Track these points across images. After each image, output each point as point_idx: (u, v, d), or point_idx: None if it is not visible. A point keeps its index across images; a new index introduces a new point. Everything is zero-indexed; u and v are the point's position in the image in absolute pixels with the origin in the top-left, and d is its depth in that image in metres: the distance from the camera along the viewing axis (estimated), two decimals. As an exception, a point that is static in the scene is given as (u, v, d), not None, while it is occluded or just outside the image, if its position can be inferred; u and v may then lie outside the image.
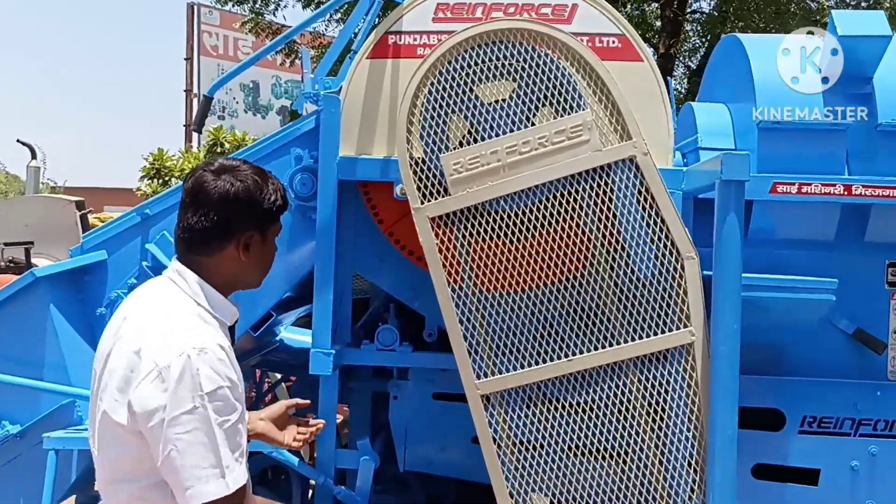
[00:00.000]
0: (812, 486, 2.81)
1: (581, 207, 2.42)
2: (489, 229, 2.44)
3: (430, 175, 2.49)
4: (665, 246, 2.40)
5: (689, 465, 2.37)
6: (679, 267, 2.39)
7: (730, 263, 2.32)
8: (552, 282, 2.42)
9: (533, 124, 2.46)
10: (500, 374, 2.42)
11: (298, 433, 2.21)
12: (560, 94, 2.46)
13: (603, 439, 2.39)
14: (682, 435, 2.37)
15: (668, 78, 3.02)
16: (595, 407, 2.39)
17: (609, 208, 2.41)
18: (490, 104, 2.48)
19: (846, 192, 2.70)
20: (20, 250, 8.33)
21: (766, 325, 2.58)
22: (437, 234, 2.46)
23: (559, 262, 2.41)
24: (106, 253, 3.08)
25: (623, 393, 2.39)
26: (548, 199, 2.43)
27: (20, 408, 2.98)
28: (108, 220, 4.06)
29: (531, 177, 2.43)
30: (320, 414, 2.89)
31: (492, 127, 2.48)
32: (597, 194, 2.42)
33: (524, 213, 2.43)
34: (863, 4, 11.56)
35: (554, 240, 2.42)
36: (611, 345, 2.39)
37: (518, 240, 2.43)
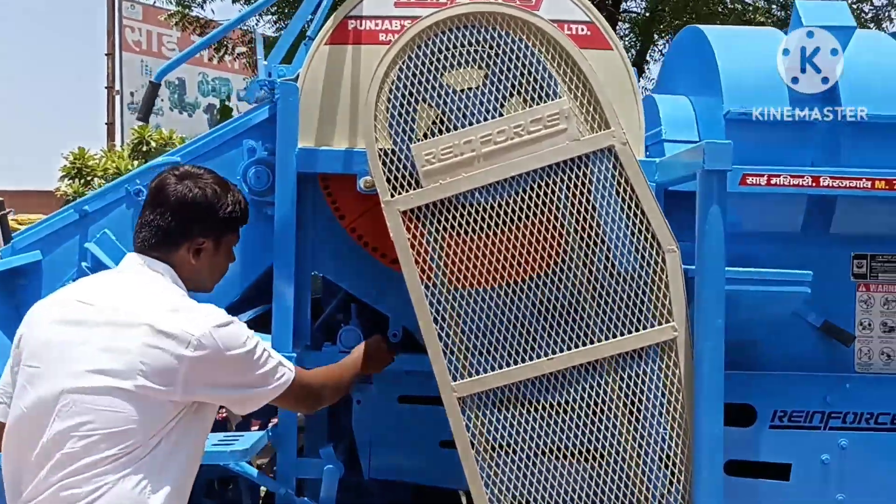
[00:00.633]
0: (784, 482, 2.79)
1: (559, 199, 2.32)
2: (464, 223, 2.32)
3: (401, 166, 2.35)
4: (645, 238, 2.32)
5: (673, 464, 2.30)
6: (660, 260, 2.31)
7: (713, 257, 2.25)
8: (530, 277, 2.32)
9: (505, 112, 2.35)
10: (478, 374, 2.31)
11: None
12: (534, 81, 2.36)
13: (586, 440, 2.29)
14: (666, 434, 2.30)
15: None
16: (577, 407, 2.29)
17: (588, 199, 2.32)
18: (462, 91, 2.36)
19: (814, 184, 2.69)
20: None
21: (738, 319, 2.54)
22: (408, 229, 2.33)
23: (537, 256, 2.31)
24: (40, 253, 2.84)
25: (605, 392, 2.29)
26: (524, 191, 2.32)
27: None
28: (28, 223, 3.76)
29: (507, 167, 2.32)
30: (280, 420, 2.73)
31: (465, 115, 2.36)
32: (575, 185, 2.33)
33: (500, 206, 2.32)
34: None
35: (532, 233, 2.31)
36: (592, 342, 2.30)
37: (495, 233, 2.32)
